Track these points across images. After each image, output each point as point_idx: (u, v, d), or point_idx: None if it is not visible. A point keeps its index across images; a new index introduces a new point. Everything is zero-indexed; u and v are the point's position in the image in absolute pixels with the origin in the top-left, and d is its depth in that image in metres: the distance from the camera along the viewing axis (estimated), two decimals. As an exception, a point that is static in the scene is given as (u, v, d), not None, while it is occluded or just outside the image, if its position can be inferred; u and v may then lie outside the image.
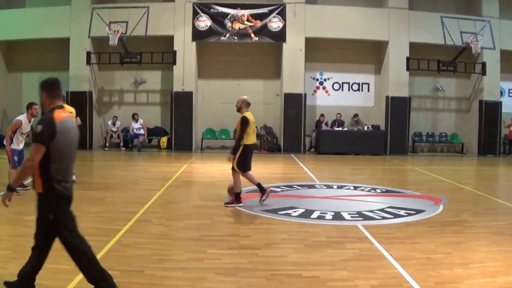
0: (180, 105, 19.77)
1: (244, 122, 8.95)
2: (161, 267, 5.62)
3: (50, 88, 4.59)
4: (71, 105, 19.51)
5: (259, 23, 19.70)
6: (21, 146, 10.06)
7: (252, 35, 19.72)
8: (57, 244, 6.45)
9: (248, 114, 9.09)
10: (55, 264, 5.63)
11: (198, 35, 19.85)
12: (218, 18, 19.70)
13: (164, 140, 20.70)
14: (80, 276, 5.23)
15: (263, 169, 14.83)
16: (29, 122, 10.09)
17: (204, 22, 19.75)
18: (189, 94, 19.75)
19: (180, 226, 7.88)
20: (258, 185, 9.13)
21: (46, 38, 20.14)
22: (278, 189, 10.99)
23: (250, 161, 9.20)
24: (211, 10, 19.74)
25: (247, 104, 9.25)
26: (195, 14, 19.71)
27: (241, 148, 8.95)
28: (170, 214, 8.80)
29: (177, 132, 19.96)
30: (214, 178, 12.73)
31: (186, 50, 19.83)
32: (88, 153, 19.25)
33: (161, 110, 21.47)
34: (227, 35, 19.73)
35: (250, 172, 9.14)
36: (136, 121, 20.28)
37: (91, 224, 7.66)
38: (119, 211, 8.64)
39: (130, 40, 18.57)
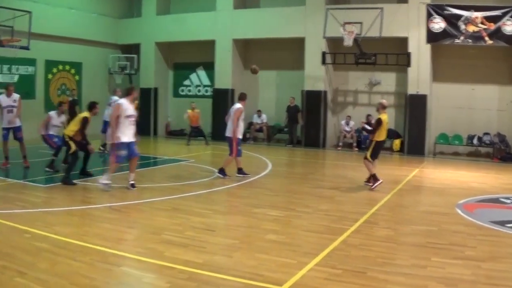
0: (414, 108, 19.25)
1: (378, 122, 11.01)
2: (383, 270, 5.68)
3: None
4: (307, 104, 20.68)
5: (492, 26, 18.15)
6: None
7: (486, 38, 18.23)
8: (284, 238, 6.96)
9: (383, 116, 11.05)
10: (280, 257, 6.07)
11: (432, 37, 19.09)
12: (452, 20, 18.66)
13: (397, 142, 20.40)
14: (304, 271, 5.56)
15: (494, 178, 13.64)
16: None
17: (438, 24, 18.90)
18: (423, 97, 19.10)
19: (406, 231, 7.81)
20: (374, 175, 11.03)
21: (281, 38, 21.34)
22: (508, 201, 10.18)
23: (379, 153, 11.36)
24: (445, 11, 18.79)
25: (383, 107, 11.24)
26: (429, 16, 18.97)
27: (373, 143, 11.10)
28: (398, 218, 8.75)
29: (410, 135, 19.48)
30: (445, 185, 12.15)
31: (420, 52, 19.24)
32: (321, 152, 20.01)
33: (395, 112, 21.15)
34: (462, 37, 18.58)
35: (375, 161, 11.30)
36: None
37: (320, 222, 8.08)
38: (348, 210, 8.89)
39: (364, 40, 18.69)
